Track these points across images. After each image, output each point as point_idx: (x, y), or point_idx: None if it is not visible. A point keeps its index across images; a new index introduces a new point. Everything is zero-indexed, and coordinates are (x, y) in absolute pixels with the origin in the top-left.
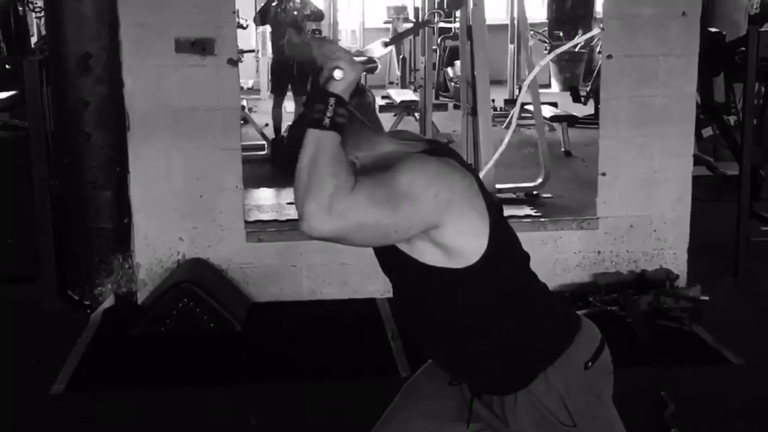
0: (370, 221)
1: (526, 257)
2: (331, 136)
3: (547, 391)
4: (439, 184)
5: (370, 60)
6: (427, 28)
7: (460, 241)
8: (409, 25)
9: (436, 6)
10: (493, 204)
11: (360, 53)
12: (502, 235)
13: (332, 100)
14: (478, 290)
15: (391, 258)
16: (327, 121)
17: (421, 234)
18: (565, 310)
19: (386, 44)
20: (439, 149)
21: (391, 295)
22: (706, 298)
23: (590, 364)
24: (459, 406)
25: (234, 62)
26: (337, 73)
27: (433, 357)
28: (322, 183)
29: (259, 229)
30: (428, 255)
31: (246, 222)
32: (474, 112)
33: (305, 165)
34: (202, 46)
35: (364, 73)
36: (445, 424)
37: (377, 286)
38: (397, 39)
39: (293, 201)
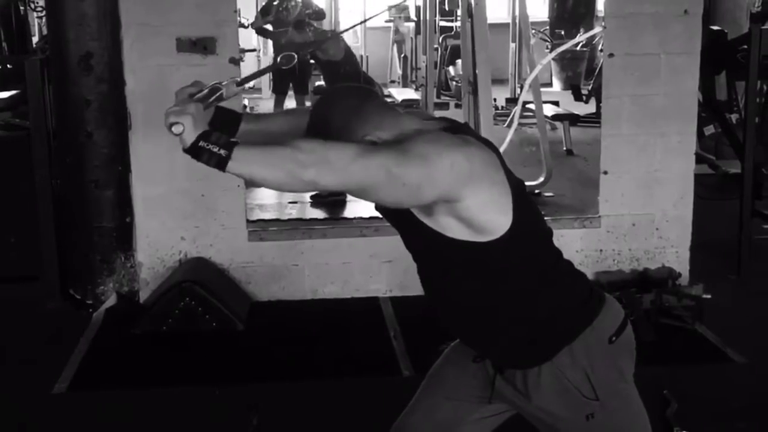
0: (374, 168)
1: (550, 233)
2: (241, 151)
3: (571, 365)
4: (455, 155)
5: (214, 89)
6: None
7: (484, 215)
8: (411, 25)
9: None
10: (515, 179)
11: (204, 88)
12: (525, 211)
13: (201, 144)
14: (503, 264)
15: (415, 233)
16: (223, 154)
17: (443, 207)
18: (590, 285)
19: (238, 83)
20: (458, 127)
21: (392, 293)
22: (709, 296)
23: (614, 338)
24: (482, 386)
25: (235, 61)
26: (176, 129)
27: (457, 332)
28: (286, 159)
29: (260, 228)
30: (452, 229)
31: (248, 221)
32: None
33: (270, 174)
34: (203, 45)
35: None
36: (471, 406)
37: (379, 284)
38: (248, 79)
39: (294, 200)
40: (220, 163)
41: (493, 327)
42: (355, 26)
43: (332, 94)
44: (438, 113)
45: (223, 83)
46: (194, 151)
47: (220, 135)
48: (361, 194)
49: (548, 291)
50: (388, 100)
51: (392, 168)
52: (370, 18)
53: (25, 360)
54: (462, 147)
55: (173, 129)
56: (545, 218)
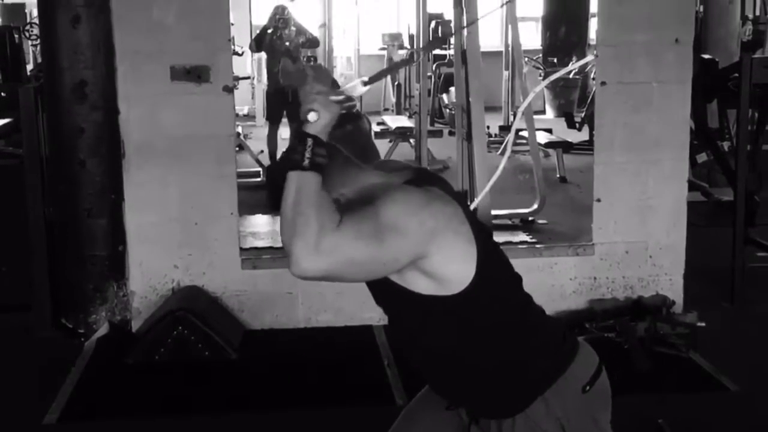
0: (359, 256)
1: (518, 279)
2: (312, 177)
3: (545, 415)
4: (422, 213)
5: (348, 98)
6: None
7: (449, 268)
8: (404, 53)
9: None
10: (481, 229)
11: (339, 92)
12: (491, 260)
13: (310, 141)
14: (471, 315)
15: (383, 289)
16: (306, 162)
17: (410, 264)
18: (562, 332)
19: (365, 83)
20: (423, 178)
21: (387, 322)
22: (703, 324)
23: (588, 387)
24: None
25: (229, 89)
26: (312, 116)
27: (430, 383)
28: (307, 223)
29: (254, 256)
30: (419, 284)
31: (241, 249)
32: (469, 138)
33: (289, 207)
34: (197, 74)
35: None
36: None
37: (373, 313)
38: (376, 78)
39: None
40: (294, 166)
41: (463, 378)
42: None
43: None
44: (431, 141)
45: (351, 85)
46: (301, 140)
47: (324, 155)
48: (338, 279)
49: (518, 340)
50: (382, 128)
51: (373, 256)
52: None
53: (16, 390)
54: (426, 204)
55: (309, 116)
56: (539, 246)
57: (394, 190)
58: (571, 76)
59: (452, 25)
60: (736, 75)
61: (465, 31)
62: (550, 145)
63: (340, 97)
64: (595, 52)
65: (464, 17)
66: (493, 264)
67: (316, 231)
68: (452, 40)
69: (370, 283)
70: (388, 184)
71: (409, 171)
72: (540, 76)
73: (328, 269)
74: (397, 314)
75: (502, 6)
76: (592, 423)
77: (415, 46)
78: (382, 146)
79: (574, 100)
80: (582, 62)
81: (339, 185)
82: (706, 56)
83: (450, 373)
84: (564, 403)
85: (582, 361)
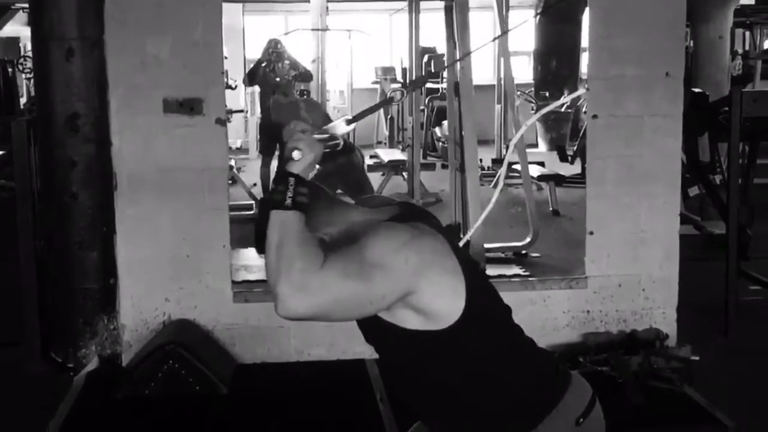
0: (345, 295)
1: (508, 311)
2: (294, 216)
3: None
4: (406, 250)
5: (332, 137)
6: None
7: (437, 303)
8: (397, 86)
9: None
10: (468, 262)
11: (323, 131)
12: (479, 293)
13: (292, 180)
14: (460, 349)
15: (372, 326)
16: (288, 201)
17: (398, 301)
18: (554, 364)
19: (349, 122)
20: (408, 213)
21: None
22: (697, 357)
23: (582, 419)
24: None
25: (222, 122)
26: (296, 154)
27: (420, 419)
28: (291, 263)
29: (246, 289)
30: (408, 320)
31: (233, 282)
32: (462, 169)
33: (273, 247)
34: (190, 106)
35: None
36: None
37: (365, 347)
38: (360, 116)
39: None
40: (275, 206)
41: (453, 412)
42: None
43: None
44: (424, 174)
45: (334, 123)
46: (282, 179)
47: (306, 194)
48: (326, 319)
49: (509, 373)
50: (375, 161)
51: (360, 295)
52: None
53: (4, 425)
54: (411, 240)
55: (294, 153)
56: (531, 278)
57: (379, 227)
58: (563, 109)
59: (445, 58)
60: (727, 108)
61: (458, 65)
62: (542, 178)
63: (324, 136)
64: (586, 85)
65: (457, 51)
66: (481, 297)
67: (300, 270)
68: (445, 74)
69: (360, 321)
70: (374, 220)
71: (395, 207)
72: (532, 109)
73: (313, 309)
74: (387, 351)
75: (494, 40)
76: None
77: (407, 80)
78: (375, 179)
79: (566, 134)
80: (574, 95)
81: (325, 224)
82: (697, 90)
83: (441, 408)
84: None
85: (575, 392)
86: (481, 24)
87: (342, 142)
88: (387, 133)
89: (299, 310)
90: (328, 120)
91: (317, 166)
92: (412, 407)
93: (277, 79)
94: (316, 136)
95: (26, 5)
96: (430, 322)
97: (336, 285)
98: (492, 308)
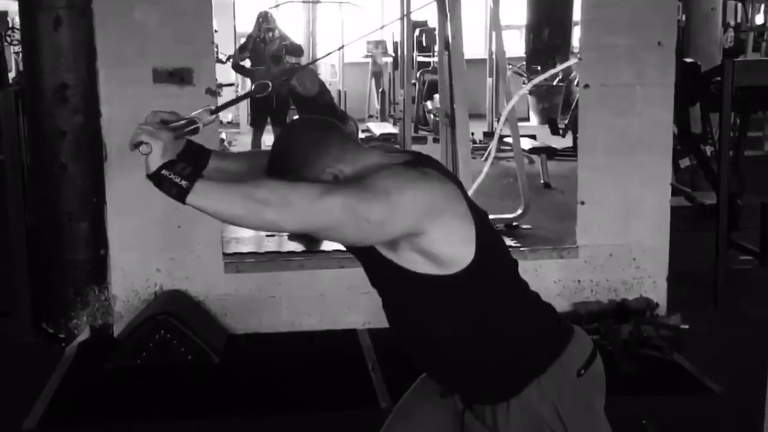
0: (335, 207)
1: (515, 265)
2: (205, 185)
3: (540, 399)
4: (417, 190)
5: (191, 122)
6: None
7: (447, 248)
8: (389, 60)
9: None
10: (478, 211)
11: (180, 117)
12: (489, 242)
13: (164, 173)
14: (467, 297)
15: (379, 268)
16: (185, 185)
17: (406, 242)
18: (557, 317)
19: (212, 112)
20: (420, 160)
21: (371, 325)
22: (687, 326)
23: (583, 371)
24: (451, 421)
25: (213, 92)
26: (143, 149)
27: (424, 368)
28: (245, 205)
29: (237, 260)
30: (416, 263)
31: (224, 253)
32: (453, 143)
33: (231, 214)
34: (180, 76)
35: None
36: None
37: (357, 316)
38: (223, 107)
39: (272, 234)
40: (180, 195)
41: (458, 361)
42: (330, 53)
43: (294, 127)
44: (416, 147)
45: (198, 112)
46: (157, 178)
47: (185, 166)
48: (325, 234)
49: (514, 323)
50: (367, 134)
51: (355, 206)
52: (346, 45)
53: None
54: (423, 181)
55: (141, 148)
56: (523, 249)
57: (391, 168)
58: (554, 82)
59: (436, 32)
60: (718, 78)
61: (449, 38)
62: (534, 150)
63: (181, 122)
64: (578, 55)
65: (448, 24)
66: (491, 246)
67: (262, 201)
68: (436, 48)
69: (366, 263)
70: (387, 163)
71: (407, 154)
72: (524, 83)
73: (303, 223)
74: (392, 295)
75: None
76: (587, 407)
77: (398, 54)
78: None
79: (557, 106)
80: (566, 65)
81: (335, 160)
82: (689, 60)
83: (444, 356)
84: (559, 387)
85: (576, 345)
86: None
87: (201, 126)
88: (378, 106)
89: (285, 225)
90: (324, 88)
91: (225, 143)
92: (415, 356)
93: (267, 51)
94: (174, 124)
95: None
96: (439, 267)
97: (337, 205)
98: (501, 259)
